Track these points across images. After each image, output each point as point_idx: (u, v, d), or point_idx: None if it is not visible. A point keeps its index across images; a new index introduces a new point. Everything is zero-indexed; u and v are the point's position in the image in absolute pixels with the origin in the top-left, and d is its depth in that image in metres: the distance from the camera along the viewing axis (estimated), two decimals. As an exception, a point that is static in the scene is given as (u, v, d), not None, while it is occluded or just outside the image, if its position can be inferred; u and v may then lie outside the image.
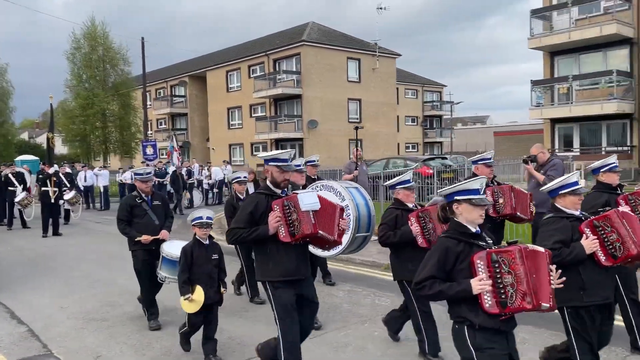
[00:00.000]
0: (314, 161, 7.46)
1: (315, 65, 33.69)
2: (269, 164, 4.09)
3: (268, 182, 4.13)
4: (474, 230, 3.12)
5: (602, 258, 3.59)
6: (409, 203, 4.90)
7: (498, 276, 2.86)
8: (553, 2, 22.14)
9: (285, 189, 4.16)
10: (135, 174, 6.21)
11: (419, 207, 4.89)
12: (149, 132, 35.00)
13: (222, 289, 5.09)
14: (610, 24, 19.39)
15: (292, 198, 3.92)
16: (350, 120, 35.91)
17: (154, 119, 44.66)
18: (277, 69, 34.72)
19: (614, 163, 5.00)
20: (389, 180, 5.52)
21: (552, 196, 3.84)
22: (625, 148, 20.44)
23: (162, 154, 36.28)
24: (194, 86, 42.58)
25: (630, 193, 4.82)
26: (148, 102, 32.04)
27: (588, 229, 3.67)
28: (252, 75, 36.39)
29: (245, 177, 7.24)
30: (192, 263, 4.96)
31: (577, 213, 3.77)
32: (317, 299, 4.26)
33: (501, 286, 2.85)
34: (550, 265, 2.98)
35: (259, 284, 6.91)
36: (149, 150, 24.19)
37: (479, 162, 6.16)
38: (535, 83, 22.12)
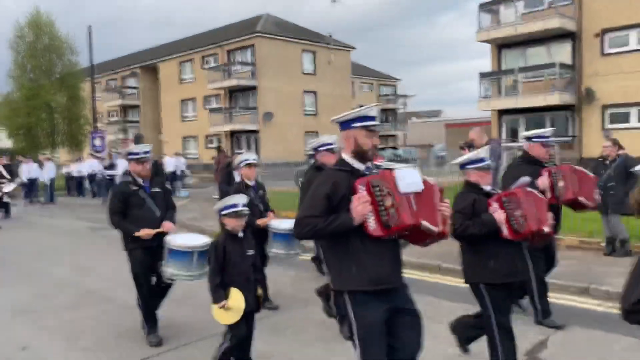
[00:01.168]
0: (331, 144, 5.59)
1: (270, 57, 33.47)
2: (353, 125, 3.00)
3: (345, 154, 3.05)
4: None
5: None
6: (485, 185, 3.94)
7: None
8: (501, -3, 22.75)
9: (370, 165, 3.06)
10: (130, 153, 5.01)
11: (499, 191, 4.04)
12: (100, 124, 33.87)
13: (259, 291, 4.18)
14: (553, 18, 20.09)
15: (384, 176, 2.90)
16: (306, 113, 35.96)
17: (105, 111, 43.32)
18: (232, 61, 34.32)
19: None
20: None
21: None
22: (567, 138, 21.25)
23: (114, 147, 35.29)
24: (146, 77, 41.54)
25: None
26: (98, 94, 31.04)
27: None
28: (205, 67, 35.83)
29: (255, 159, 6.15)
30: (224, 262, 3.97)
31: None
32: (419, 310, 3.13)
33: None
34: None
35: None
36: (97, 142, 23.51)
37: (534, 140, 5.03)
38: (483, 75, 22.72)
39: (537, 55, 22.20)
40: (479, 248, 3.82)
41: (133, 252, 4.92)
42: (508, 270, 3.76)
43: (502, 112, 23.09)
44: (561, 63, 20.78)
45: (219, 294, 3.91)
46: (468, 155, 4.00)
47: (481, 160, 3.90)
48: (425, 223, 2.86)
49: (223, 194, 7.28)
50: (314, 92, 36.25)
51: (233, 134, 35.13)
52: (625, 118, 20.07)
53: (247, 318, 4.02)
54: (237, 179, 7.10)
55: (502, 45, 22.89)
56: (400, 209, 2.81)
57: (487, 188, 3.95)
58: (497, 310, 3.78)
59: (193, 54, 37.05)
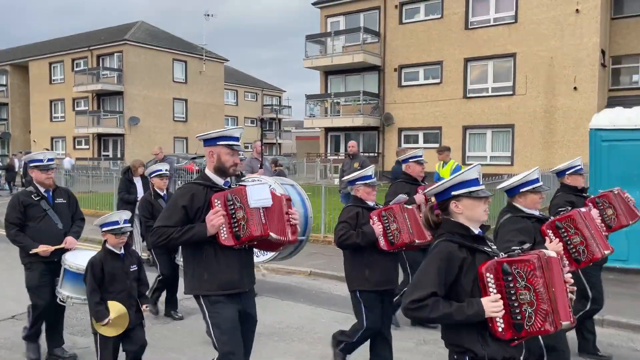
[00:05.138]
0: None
1: (139, 64, 35.13)
2: (218, 143, 3.33)
3: (208, 170, 3.39)
4: (476, 231, 2.58)
5: (565, 263, 2.91)
6: (369, 201, 4.37)
7: (512, 292, 2.32)
8: (328, 30, 26.34)
9: (229, 181, 3.44)
10: (31, 161, 4.56)
11: (381, 206, 4.46)
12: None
13: (144, 306, 4.11)
14: (359, 54, 23.84)
15: (237, 191, 3.23)
16: (175, 119, 37.89)
17: (-29, 106, 42.59)
18: (100, 65, 35.56)
19: (580, 165, 4.71)
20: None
21: (511, 195, 3.63)
22: (374, 154, 25.15)
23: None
24: (16, 75, 41.52)
25: (597, 196, 4.66)
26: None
27: (550, 231, 3.50)
28: (75, 69, 36.75)
29: (167, 170, 6.15)
30: (103, 280, 3.90)
31: (537, 213, 3.60)
32: (256, 315, 3.56)
33: (516, 304, 2.31)
34: (566, 273, 2.49)
35: (179, 297, 5.92)
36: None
37: (410, 160, 5.66)
38: (309, 97, 26.18)
39: (354, 82, 26.02)
40: (357, 258, 4.21)
41: (31, 266, 4.54)
42: (380, 278, 4.19)
43: (328, 129, 26.67)
44: (367, 91, 24.66)
45: (100, 312, 3.85)
46: (357, 173, 4.40)
47: (368, 177, 4.34)
48: (273, 234, 3.21)
49: (123, 203, 7.91)
50: (185, 100, 38.29)
51: (100, 136, 36.31)
52: (415, 139, 24.24)
53: (131, 333, 3.98)
54: (140, 187, 8.19)
55: (328, 72, 26.49)
56: (250, 221, 3.15)
57: (371, 204, 4.36)
58: (369, 311, 4.17)
59: (63, 56, 37.80)
